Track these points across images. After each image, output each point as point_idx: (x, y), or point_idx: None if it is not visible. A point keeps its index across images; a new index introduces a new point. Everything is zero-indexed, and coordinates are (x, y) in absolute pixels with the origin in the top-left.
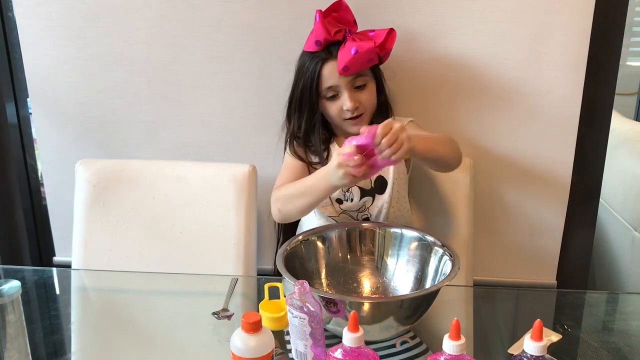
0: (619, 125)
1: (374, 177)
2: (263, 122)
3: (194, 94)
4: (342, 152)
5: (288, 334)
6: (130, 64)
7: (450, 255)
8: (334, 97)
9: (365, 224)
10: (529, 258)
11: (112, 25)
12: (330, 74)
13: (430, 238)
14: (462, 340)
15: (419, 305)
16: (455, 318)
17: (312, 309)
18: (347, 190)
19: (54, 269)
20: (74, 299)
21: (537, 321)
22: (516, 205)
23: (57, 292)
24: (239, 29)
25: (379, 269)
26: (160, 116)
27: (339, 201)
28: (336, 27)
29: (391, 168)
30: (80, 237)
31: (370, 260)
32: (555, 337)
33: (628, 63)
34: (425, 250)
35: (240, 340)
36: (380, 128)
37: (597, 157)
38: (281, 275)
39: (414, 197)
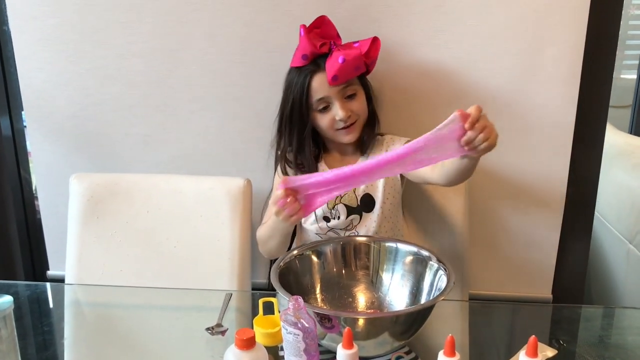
0: (614, 138)
1: (359, 195)
2: (258, 136)
3: (189, 108)
4: (276, 199)
5: (282, 349)
6: (126, 77)
7: (446, 270)
8: (326, 108)
9: (359, 238)
10: (525, 271)
11: (108, 39)
12: (320, 85)
13: (425, 252)
14: (457, 356)
15: (414, 320)
16: (450, 334)
17: (306, 325)
18: (333, 208)
19: (48, 284)
20: (67, 314)
21: (532, 337)
22: (511, 218)
23: (51, 306)
24: (235, 43)
25: (374, 284)
26: (156, 130)
27: (326, 219)
28: (321, 41)
29: (380, 186)
30: (74, 251)
31: (365, 274)
32: (550, 352)
33: (622, 76)
34: (420, 265)
35: (233, 356)
36: (475, 110)
37: (592, 170)
38: (276, 290)
39: (408, 211)
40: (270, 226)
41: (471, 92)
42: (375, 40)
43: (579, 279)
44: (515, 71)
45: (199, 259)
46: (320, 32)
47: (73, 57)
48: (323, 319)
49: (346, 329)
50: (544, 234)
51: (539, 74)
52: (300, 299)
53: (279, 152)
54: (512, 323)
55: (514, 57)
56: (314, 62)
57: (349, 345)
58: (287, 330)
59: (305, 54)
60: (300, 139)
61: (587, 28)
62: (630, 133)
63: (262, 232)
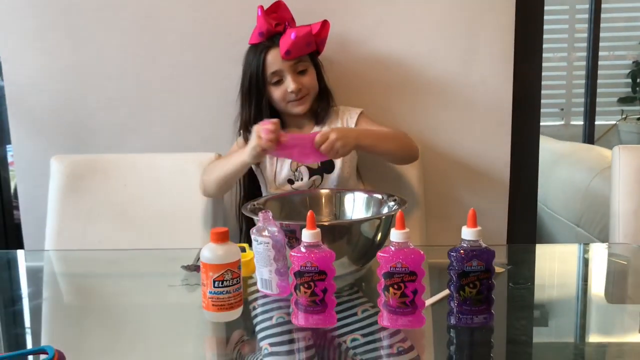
0: (552, 145)
1: None
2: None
3: (163, 98)
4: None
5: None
6: (104, 71)
7: (396, 200)
8: (279, 82)
9: (323, 190)
10: None
11: (89, 36)
12: (273, 60)
13: (377, 195)
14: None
15: (371, 244)
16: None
17: (275, 233)
18: (296, 170)
19: (22, 251)
20: (46, 282)
21: (471, 210)
22: (463, 192)
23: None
24: (199, 30)
25: None
26: (131, 119)
27: (290, 181)
28: (277, 21)
29: None
30: (54, 226)
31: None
32: (498, 269)
33: None
34: (377, 206)
35: (209, 250)
36: (318, 136)
37: (532, 137)
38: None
39: (366, 179)
40: (227, 158)
41: (416, 74)
42: (325, 23)
43: (529, 242)
44: (455, 53)
45: (173, 228)
46: (277, 16)
47: (55, 53)
48: (290, 238)
49: (309, 212)
50: (494, 203)
51: (477, 54)
52: (270, 212)
53: (242, 124)
54: None
55: (454, 40)
56: (269, 39)
57: (312, 226)
58: (257, 241)
59: (262, 32)
60: (258, 109)
61: (515, 12)
62: None
63: (215, 163)
